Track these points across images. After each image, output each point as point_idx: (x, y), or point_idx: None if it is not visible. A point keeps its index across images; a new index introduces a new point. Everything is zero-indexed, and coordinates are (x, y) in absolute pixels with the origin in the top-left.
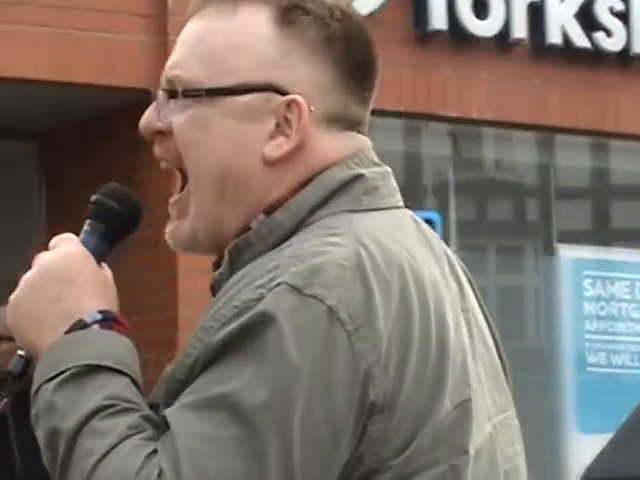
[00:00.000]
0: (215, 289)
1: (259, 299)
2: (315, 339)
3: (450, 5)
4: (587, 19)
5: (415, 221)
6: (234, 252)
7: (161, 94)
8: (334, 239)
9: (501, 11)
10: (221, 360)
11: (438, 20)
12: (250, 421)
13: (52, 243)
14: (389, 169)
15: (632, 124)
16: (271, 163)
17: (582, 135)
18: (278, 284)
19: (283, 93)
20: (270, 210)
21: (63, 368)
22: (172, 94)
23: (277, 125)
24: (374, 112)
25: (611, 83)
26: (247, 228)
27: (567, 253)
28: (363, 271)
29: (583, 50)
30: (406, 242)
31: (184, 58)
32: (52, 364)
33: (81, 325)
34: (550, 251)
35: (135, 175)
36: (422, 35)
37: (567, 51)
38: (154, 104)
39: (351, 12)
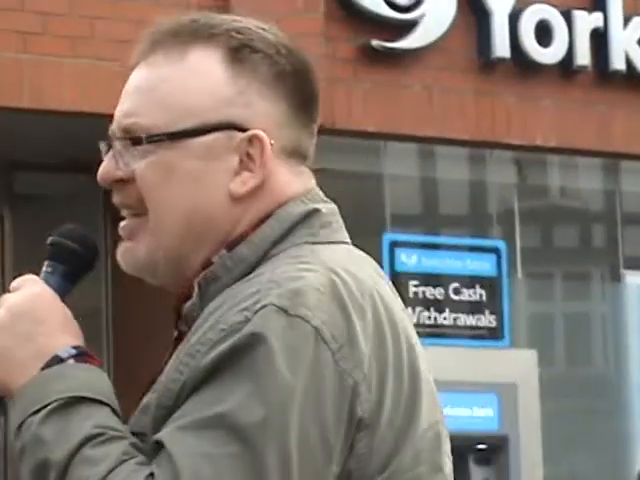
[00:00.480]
0: (187, 320)
1: (246, 321)
2: (305, 358)
3: (513, 33)
4: None
5: (361, 255)
6: (203, 284)
7: (119, 143)
8: (305, 266)
9: (564, 38)
10: (211, 382)
11: (502, 48)
12: (249, 439)
13: (15, 284)
14: (335, 206)
15: None
16: (237, 199)
17: None
18: (264, 306)
19: (243, 130)
20: (232, 245)
21: (47, 401)
22: (136, 141)
23: (240, 161)
24: (439, 140)
25: None
26: (209, 262)
27: (634, 279)
28: (340, 296)
29: None
30: (368, 272)
31: (140, 106)
32: (35, 398)
33: (57, 360)
34: (617, 277)
35: None
36: (486, 62)
37: (631, 77)
38: (110, 154)
39: (295, 47)
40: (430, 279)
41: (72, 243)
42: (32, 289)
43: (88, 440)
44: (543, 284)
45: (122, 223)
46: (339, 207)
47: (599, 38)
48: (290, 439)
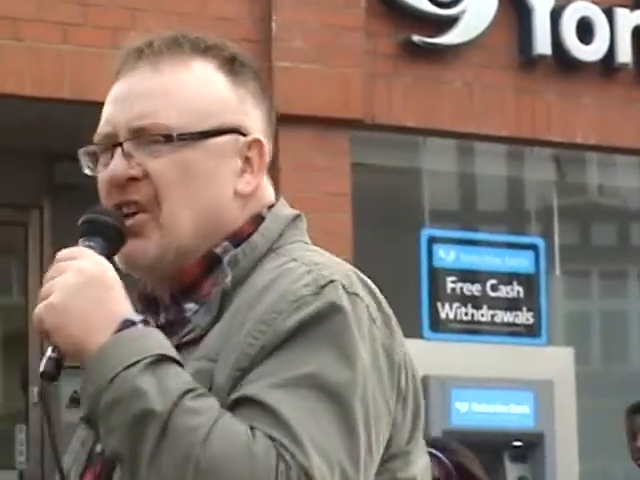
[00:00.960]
0: (196, 299)
1: (315, 294)
2: (367, 330)
3: (554, 30)
4: None
5: None
6: (232, 266)
7: (129, 144)
8: (326, 256)
9: (606, 35)
10: (294, 345)
11: (543, 45)
12: (340, 397)
13: (65, 254)
14: None
15: None
16: (241, 198)
17: None
18: (331, 281)
19: (245, 135)
20: (233, 238)
21: (142, 356)
22: (167, 138)
23: (242, 163)
24: (478, 137)
25: None
26: (211, 253)
27: None
28: (366, 283)
29: None
30: None
31: (156, 108)
32: (127, 354)
33: (129, 324)
34: None
35: None
36: (527, 60)
37: None
38: (118, 154)
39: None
40: (468, 275)
41: (107, 217)
42: (97, 257)
43: (186, 393)
44: (580, 282)
45: (130, 221)
46: (378, 202)
47: None
48: (369, 400)
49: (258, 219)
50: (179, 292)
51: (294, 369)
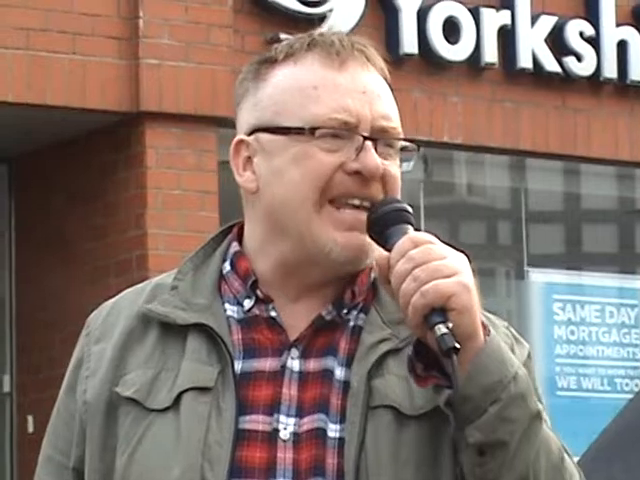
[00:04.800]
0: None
1: (509, 336)
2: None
3: (421, 29)
4: (557, 44)
5: None
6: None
7: (383, 142)
8: None
9: (472, 35)
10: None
11: (409, 44)
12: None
13: (430, 236)
14: None
15: (603, 148)
16: None
17: (553, 159)
18: (509, 329)
19: None
20: None
21: (517, 364)
22: (397, 144)
23: None
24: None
25: (582, 107)
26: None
27: (538, 277)
28: None
29: (554, 74)
30: None
31: (393, 112)
32: (510, 355)
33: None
34: (521, 275)
35: (107, 197)
36: (394, 59)
37: (538, 75)
38: (372, 149)
39: None
40: None
41: (400, 204)
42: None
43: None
44: None
45: (364, 215)
46: None
47: (506, 36)
48: None
49: None
50: (350, 295)
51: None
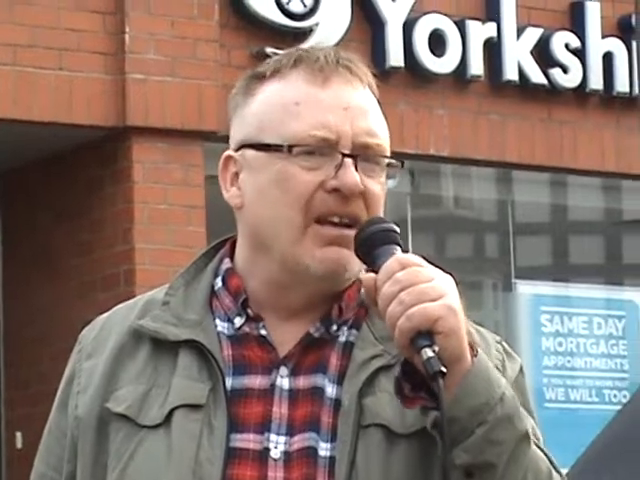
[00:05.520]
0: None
1: (500, 351)
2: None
3: (407, 42)
4: (543, 56)
5: None
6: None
7: (363, 159)
8: None
9: (458, 48)
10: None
11: (395, 57)
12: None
13: (416, 259)
14: None
15: (589, 160)
16: None
17: (540, 171)
18: (500, 343)
19: None
20: None
21: (504, 385)
22: (382, 161)
23: None
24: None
25: (568, 119)
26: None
27: (525, 289)
28: None
29: (540, 86)
30: None
31: (378, 129)
32: (497, 376)
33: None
34: (508, 287)
35: (94, 212)
36: (379, 71)
37: (524, 87)
38: (352, 166)
39: None
40: None
41: (387, 224)
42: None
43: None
44: None
45: (343, 231)
46: (232, 214)
47: (492, 48)
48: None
49: None
50: (337, 311)
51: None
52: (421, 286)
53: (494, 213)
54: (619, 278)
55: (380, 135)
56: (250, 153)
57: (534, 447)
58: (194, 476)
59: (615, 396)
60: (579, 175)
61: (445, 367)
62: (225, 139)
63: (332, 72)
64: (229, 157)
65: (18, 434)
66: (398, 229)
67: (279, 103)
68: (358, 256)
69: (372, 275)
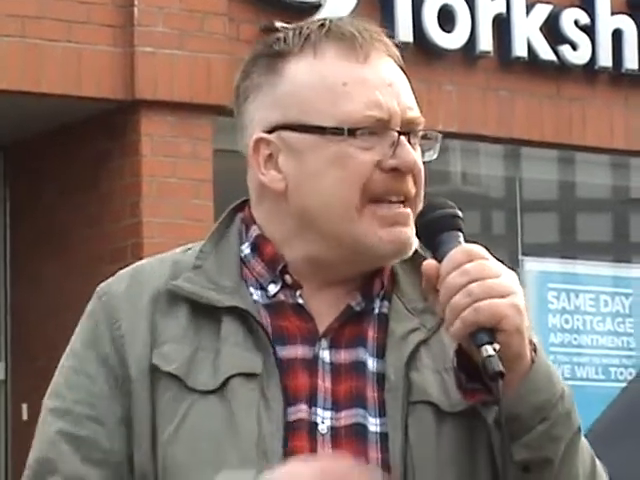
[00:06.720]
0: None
1: None
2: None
3: (416, 17)
4: (553, 32)
5: None
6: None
7: (414, 135)
8: None
9: (467, 24)
10: None
11: (404, 32)
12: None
13: (482, 251)
14: None
15: (597, 137)
16: None
17: (548, 148)
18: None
19: None
20: None
21: (562, 380)
22: (437, 133)
23: None
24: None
25: (577, 96)
26: None
27: (532, 266)
28: None
29: (549, 63)
30: None
31: (414, 100)
32: (557, 377)
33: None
34: (515, 264)
35: (102, 185)
36: None
37: (533, 63)
38: (407, 144)
39: None
40: None
41: (452, 209)
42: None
43: None
44: None
45: (402, 210)
46: (240, 189)
47: (501, 24)
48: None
49: None
50: (379, 285)
51: None
52: (490, 281)
53: (502, 189)
54: (626, 256)
55: (416, 108)
56: (291, 135)
57: (583, 438)
58: (257, 449)
59: (621, 373)
60: (587, 152)
61: (504, 366)
62: (234, 113)
63: (370, 48)
64: (260, 139)
65: (24, 406)
66: (461, 213)
67: (322, 84)
68: (419, 238)
69: (434, 262)
